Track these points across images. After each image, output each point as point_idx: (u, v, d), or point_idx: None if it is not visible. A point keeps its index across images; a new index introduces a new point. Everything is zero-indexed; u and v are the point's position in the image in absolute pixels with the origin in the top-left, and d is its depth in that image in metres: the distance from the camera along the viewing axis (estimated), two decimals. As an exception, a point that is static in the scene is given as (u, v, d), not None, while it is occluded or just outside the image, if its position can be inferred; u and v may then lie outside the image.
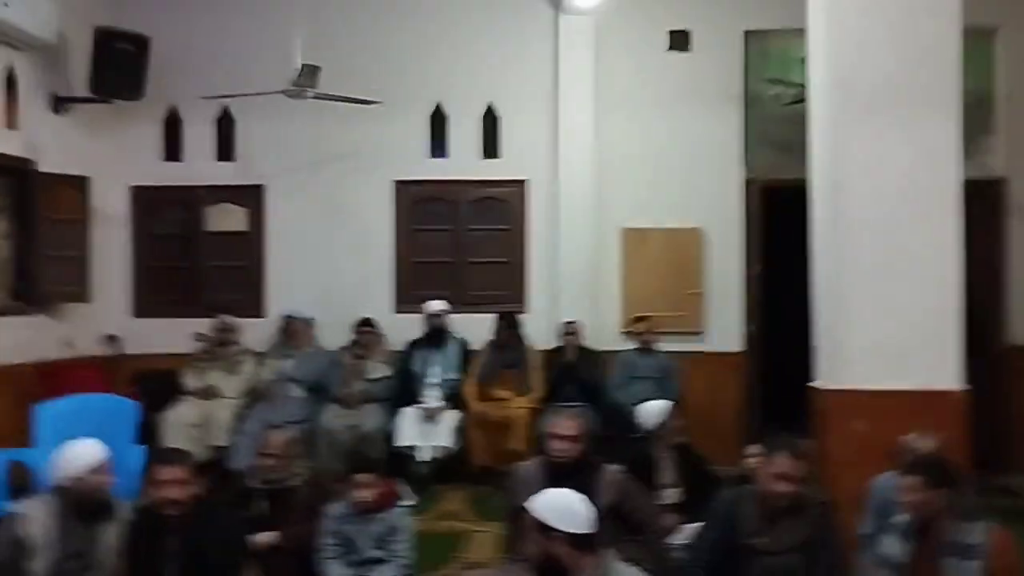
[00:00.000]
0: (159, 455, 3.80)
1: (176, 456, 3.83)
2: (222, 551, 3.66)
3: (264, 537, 4.18)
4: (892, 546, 3.51)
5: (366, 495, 4.25)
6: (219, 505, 4.00)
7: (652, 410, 5.17)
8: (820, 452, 4.78)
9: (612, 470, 4.17)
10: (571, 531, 2.81)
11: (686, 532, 4.33)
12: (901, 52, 4.69)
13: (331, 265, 7.41)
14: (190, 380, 6.77)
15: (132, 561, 3.59)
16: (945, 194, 4.63)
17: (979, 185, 6.44)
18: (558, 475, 3.98)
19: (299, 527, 4.29)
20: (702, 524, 3.97)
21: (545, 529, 2.81)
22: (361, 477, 4.26)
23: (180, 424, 6.42)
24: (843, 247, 4.73)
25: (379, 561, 4.25)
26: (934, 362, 4.61)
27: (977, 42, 6.55)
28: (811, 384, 4.99)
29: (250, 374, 6.88)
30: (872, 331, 4.61)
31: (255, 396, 6.74)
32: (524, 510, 2.90)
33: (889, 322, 4.59)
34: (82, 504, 3.68)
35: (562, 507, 2.87)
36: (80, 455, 3.73)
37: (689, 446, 5.23)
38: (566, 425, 4.08)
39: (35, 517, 3.68)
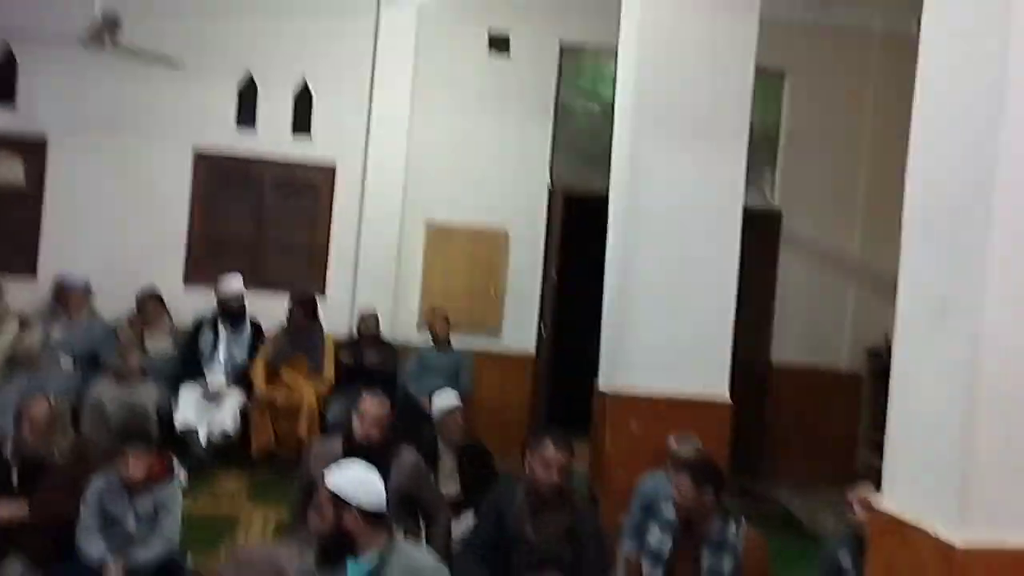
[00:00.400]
0: None
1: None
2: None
3: (7, 509, 3.89)
4: (656, 538, 3.72)
5: (135, 470, 4.03)
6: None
7: (441, 403, 5.25)
8: (597, 449, 5.02)
9: (409, 455, 4.22)
10: (364, 506, 2.82)
11: (465, 524, 4.41)
12: (700, 84, 5.02)
13: (117, 231, 6.96)
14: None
15: None
16: (728, 219, 4.99)
17: (758, 214, 6.95)
18: (357, 455, 4.00)
19: (53, 500, 4.02)
20: (480, 515, 4.08)
21: (339, 502, 2.82)
22: (133, 451, 4.04)
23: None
24: (632, 260, 4.99)
25: (143, 539, 4.06)
26: (705, 373, 4.95)
27: (768, 82, 7.08)
28: (594, 385, 5.23)
29: (13, 337, 6.32)
30: (651, 340, 4.90)
31: (17, 362, 6.21)
32: (318, 482, 2.89)
33: (667, 333, 4.89)
34: None
35: (357, 482, 2.90)
36: None
37: (474, 441, 5.34)
38: (373, 409, 4.12)
39: None
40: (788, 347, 7.52)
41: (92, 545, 3.98)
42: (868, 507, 3.28)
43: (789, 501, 6.76)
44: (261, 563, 3.67)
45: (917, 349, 2.41)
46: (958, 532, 2.13)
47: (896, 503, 2.40)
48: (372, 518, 2.87)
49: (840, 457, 7.21)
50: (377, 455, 4.05)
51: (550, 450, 3.80)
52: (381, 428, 4.11)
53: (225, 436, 6.20)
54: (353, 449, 4.04)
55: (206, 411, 6.25)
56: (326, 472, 2.94)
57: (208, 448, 6.16)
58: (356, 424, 4.14)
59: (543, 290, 7.57)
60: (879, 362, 6.80)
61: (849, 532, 3.55)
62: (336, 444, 4.17)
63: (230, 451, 6.26)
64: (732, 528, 3.62)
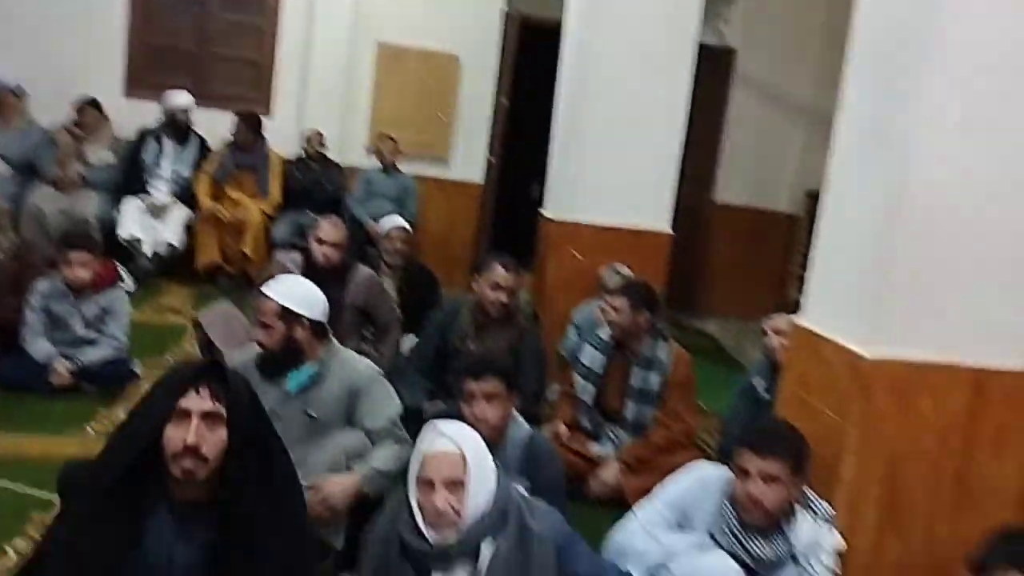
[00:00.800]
0: None
1: None
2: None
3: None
4: (589, 357, 3.91)
5: (81, 274, 4.05)
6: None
7: (387, 223, 5.30)
8: (540, 275, 5.16)
9: (364, 272, 4.32)
10: (311, 317, 2.90)
11: (409, 342, 4.55)
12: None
13: (48, 32, 6.59)
14: None
15: None
16: (680, 55, 4.94)
17: (712, 52, 6.89)
18: (317, 276, 4.08)
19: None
20: (423, 333, 4.22)
21: (289, 315, 2.88)
22: (76, 255, 4.05)
23: None
24: (583, 91, 4.96)
25: (91, 342, 4.13)
26: (648, 207, 5.03)
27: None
28: (540, 213, 5.31)
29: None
30: (597, 171, 4.94)
31: (-49, 167, 6.07)
32: (263, 297, 2.93)
33: (613, 165, 4.93)
34: None
35: (303, 294, 2.94)
36: None
37: (419, 265, 5.43)
38: (331, 232, 4.19)
39: None
40: (733, 187, 7.64)
41: (38, 346, 4.04)
42: (780, 334, 3.48)
43: (720, 334, 7.07)
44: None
45: (848, 176, 2.51)
46: (868, 347, 2.29)
47: (814, 321, 2.56)
48: (317, 328, 2.95)
49: (772, 294, 7.48)
50: (336, 275, 4.18)
51: (499, 271, 3.93)
52: (339, 251, 4.20)
53: (170, 249, 6.20)
54: (313, 270, 4.11)
55: (150, 224, 6.23)
56: (269, 287, 2.96)
57: (153, 260, 6.17)
58: (314, 248, 4.20)
59: (494, 118, 7.51)
60: (817, 204, 6.96)
61: (764, 359, 3.76)
62: (296, 258, 4.26)
63: (175, 265, 6.29)
64: (662, 347, 3.81)
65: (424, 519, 2.10)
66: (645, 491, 2.84)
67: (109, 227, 6.06)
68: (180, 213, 6.30)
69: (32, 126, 6.34)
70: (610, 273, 4.62)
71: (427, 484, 2.09)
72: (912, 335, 2.27)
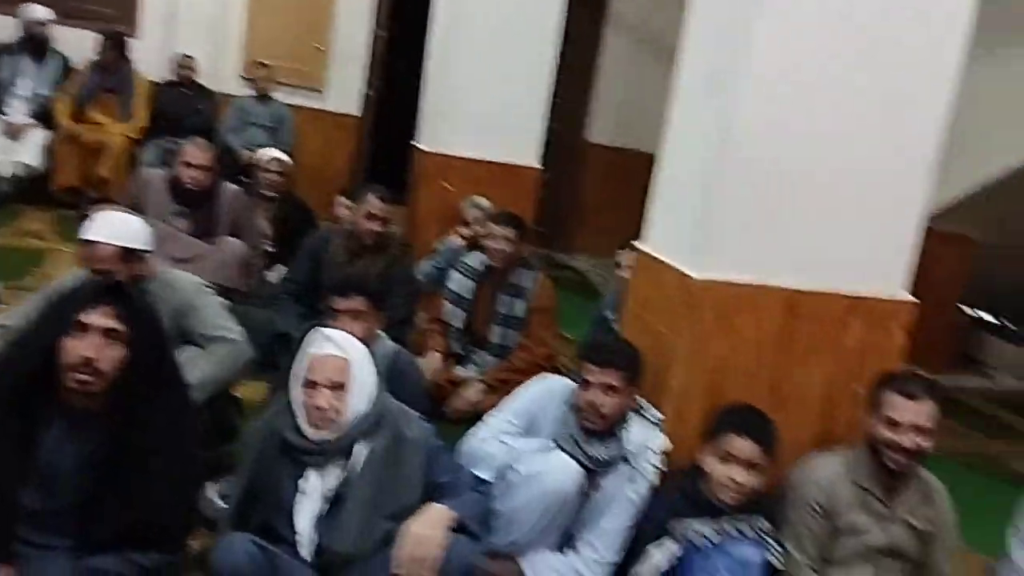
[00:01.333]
0: None
1: None
2: None
3: None
4: (458, 283, 4.08)
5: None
6: None
7: (262, 153, 5.29)
8: (412, 205, 5.28)
9: (230, 190, 4.34)
10: (145, 248, 2.83)
11: (280, 271, 4.60)
12: None
13: None
14: None
15: None
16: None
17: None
18: (184, 199, 4.12)
19: None
20: (296, 259, 4.29)
21: (128, 254, 2.76)
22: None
23: None
24: (458, 21, 5.06)
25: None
26: (518, 142, 5.21)
27: None
28: (414, 144, 5.41)
29: None
30: (469, 105, 5.08)
31: None
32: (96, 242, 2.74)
33: (486, 100, 5.07)
34: None
35: (134, 229, 2.82)
36: None
37: (295, 196, 5.45)
38: (199, 155, 4.14)
39: None
40: (604, 128, 7.87)
41: None
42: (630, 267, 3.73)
43: (587, 269, 7.37)
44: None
45: (686, 115, 2.74)
46: (697, 270, 2.54)
47: (653, 247, 2.80)
48: (145, 255, 2.85)
49: (638, 233, 7.80)
50: (204, 198, 4.18)
51: (373, 202, 4.03)
52: (207, 173, 4.16)
53: (28, 170, 6.00)
54: (180, 193, 4.10)
55: (7, 146, 6.00)
56: (97, 232, 2.76)
57: (12, 182, 5.96)
58: (181, 172, 4.15)
59: (372, 49, 7.48)
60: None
61: (615, 290, 4.02)
62: (158, 179, 4.22)
63: (34, 187, 6.09)
64: (528, 276, 4.02)
65: (306, 418, 2.25)
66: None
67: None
68: (38, 134, 6.09)
69: None
70: (468, 205, 4.79)
71: (311, 385, 2.25)
72: (735, 260, 2.53)
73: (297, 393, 2.29)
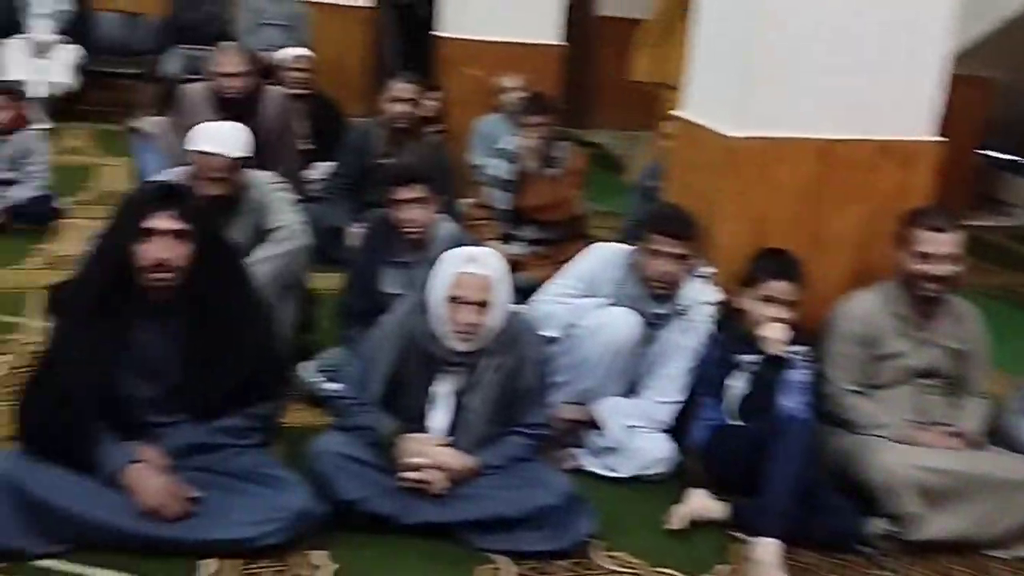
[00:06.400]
0: None
1: None
2: None
3: None
4: (499, 168, 4.25)
5: (-2, 114, 4.12)
6: None
7: (286, 53, 5.38)
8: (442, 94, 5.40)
9: (275, 93, 4.38)
10: (249, 154, 3.06)
11: (321, 169, 4.75)
12: None
13: None
14: None
15: None
16: None
17: None
18: (227, 106, 4.12)
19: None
20: (341, 156, 4.45)
21: (237, 163, 2.99)
22: (-12, 98, 4.09)
23: None
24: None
25: (13, 182, 4.25)
26: (539, 19, 5.29)
27: None
28: (436, 33, 5.49)
29: None
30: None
31: None
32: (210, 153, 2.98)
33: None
34: None
35: (243, 139, 3.05)
36: None
37: (320, 92, 5.55)
38: (234, 62, 4.12)
39: None
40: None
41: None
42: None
43: (606, 143, 7.49)
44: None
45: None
46: (735, 128, 2.72)
47: (692, 112, 2.97)
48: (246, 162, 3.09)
49: (655, 104, 7.86)
50: (247, 104, 4.16)
51: (396, 85, 4.18)
52: (245, 78, 4.14)
53: (63, 88, 6.13)
54: (223, 103, 4.13)
55: (36, 65, 6.11)
56: (209, 142, 2.99)
57: (48, 101, 6.10)
58: (218, 83, 4.13)
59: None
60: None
61: (655, 161, 4.19)
62: (197, 92, 4.25)
63: (68, 106, 6.25)
64: (560, 147, 4.21)
65: (448, 330, 2.40)
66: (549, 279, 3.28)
67: (-6, 70, 5.95)
68: (68, 51, 6.19)
69: None
70: (505, 92, 4.90)
71: (455, 300, 2.38)
72: (770, 117, 2.70)
73: (439, 306, 2.41)
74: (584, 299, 2.85)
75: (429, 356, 2.48)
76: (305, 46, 6.14)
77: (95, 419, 2.22)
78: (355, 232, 4.10)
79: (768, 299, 2.63)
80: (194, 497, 2.23)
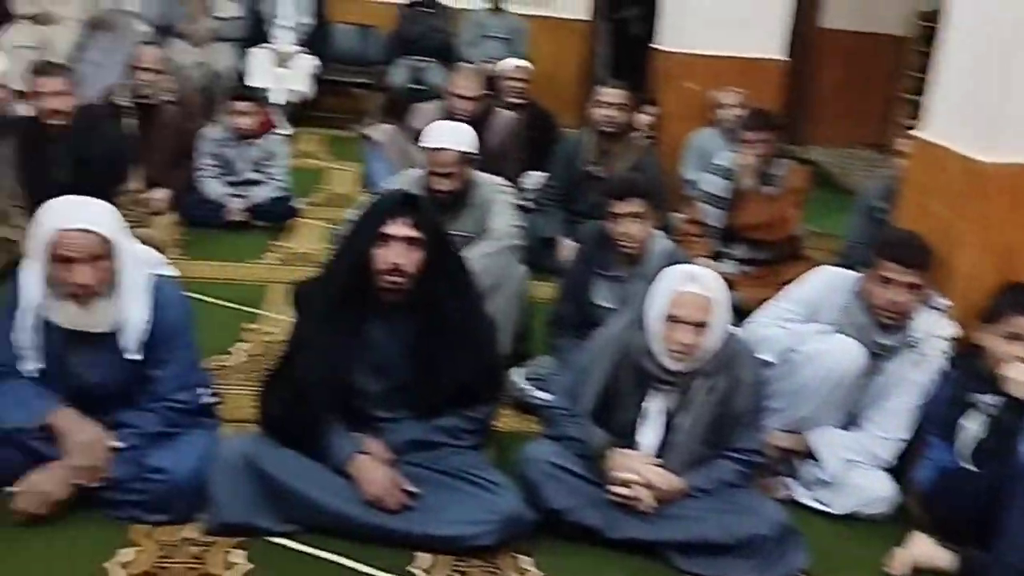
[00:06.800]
0: (38, 68, 3.79)
1: (56, 68, 3.84)
2: (107, 158, 3.84)
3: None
4: (713, 183, 4.18)
5: (245, 121, 4.48)
6: (102, 117, 4.11)
7: (505, 64, 5.54)
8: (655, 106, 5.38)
9: (503, 115, 4.54)
10: (475, 152, 3.27)
11: (534, 179, 4.86)
12: None
13: None
14: (21, 4, 6.38)
15: (24, 169, 3.72)
16: None
17: None
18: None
19: (167, 136, 4.48)
20: (552, 166, 4.53)
21: (465, 160, 3.25)
22: (241, 104, 4.47)
23: (16, 47, 6.08)
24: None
25: (257, 182, 4.61)
26: (761, 33, 5.16)
27: None
28: (654, 46, 5.48)
29: (86, 0, 6.55)
30: (711, 3, 5.06)
31: (95, 25, 6.49)
32: (434, 147, 3.24)
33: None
34: None
35: (468, 136, 3.30)
36: None
37: (538, 103, 5.68)
38: (468, 86, 4.30)
39: None
40: (839, 11, 7.54)
41: (210, 186, 4.54)
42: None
43: (826, 161, 7.19)
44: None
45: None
46: (987, 153, 2.54)
47: (935, 133, 2.80)
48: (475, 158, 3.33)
49: (877, 122, 7.51)
50: (476, 125, 4.35)
51: (604, 90, 4.21)
52: (477, 102, 4.29)
53: (299, 96, 6.57)
54: (453, 119, 4.31)
55: (277, 73, 6.57)
56: (438, 139, 3.26)
57: (286, 108, 6.56)
58: (453, 103, 4.27)
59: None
60: (931, 24, 6.87)
61: (885, 180, 3.98)
62: (431, 110, 4.44)
63: (303, 112, 6.69)
64: (781, 165, 4.09)
65: (663, 348, 2.39)
66: (763, 301, 3.20)
67: (240, 78, 6.44)
68: (306, 61, 6.63)
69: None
70: (724, 96, 4.82)
71: (674, 320, 2.37)
72: (1024, 142, 2.51)
73: (656, 323, 2.40)
74: (805, 324, 2.75)
75: (643, 372, 2.47)
76: (523, 58, 6.33)
77: (328, 410, 2.37)
78: (567, 243, 4.18)
79: (1013, 337, 2.44)
80: (412, 492, 2.33)
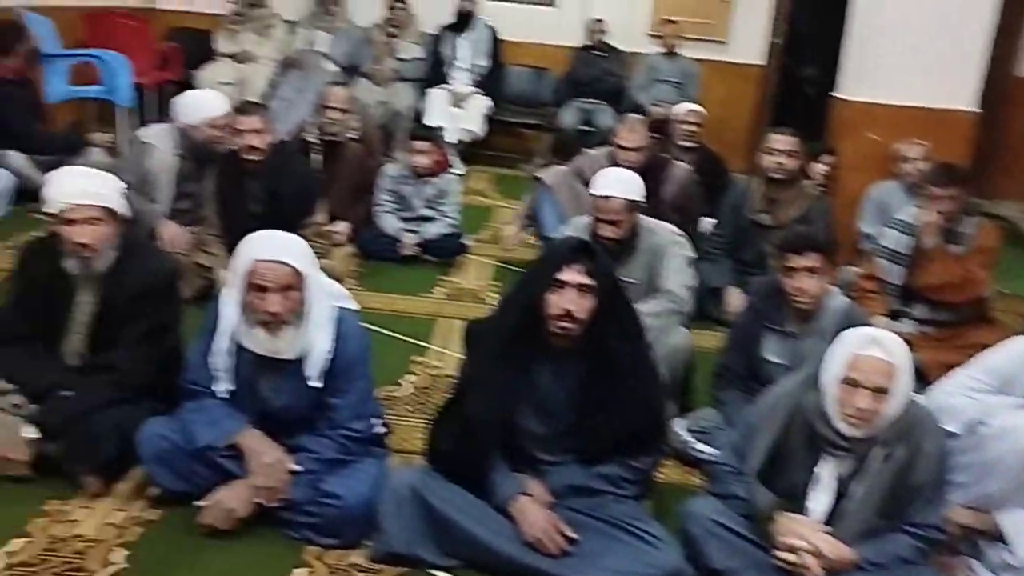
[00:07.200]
0: (238, 107, 4.07)
1: (254, 108, 4.12)
2: (298, 193, 4.08)
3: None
4: (894, 239, 4.00)
5: (423, 160, 4.66)
6: (294, 153, 4.37)
7: (680, 108, 5.52)
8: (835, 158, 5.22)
9: (680, 170, 4.51)
10: (641, 200, 3.29)
11: (704, 224, 4.79)
12: None
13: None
14: (223, 44, 6.90)
15: (221, 202, 4.00)
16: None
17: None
18: None
19: (349, 171, 4.71)
20: (720, 214, 4.46)
21: (632, 207, 3.29)
22: (420, 144, 4.66)
23: (215, 82, 6.54)
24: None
25: (430, 219, 4.78)
26: (952, 84, 4.92)
27: None
28: (834, 94, 5.32)
29: (281, 41, 7.00)
30: (897, 49, 4.88)
31: (288, 64, 6.93)
32: (603, 196, 3.29)
33: (915, 42, 4.83)
34: (196, 150, 4.02)
35: (635, 184, 3.33)
36: (200, 105, 4.02)
37: (706, 146, 5.62)
38: (632, 137, 4.26)
39: (159, 151, 4.03)
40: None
41: (387, 220, 4.73)
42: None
43: (1016, 216, 6.75)
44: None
45: None
46: None
47: None
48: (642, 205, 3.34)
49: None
50: (644, 175, 4.35)
51: (774, 136, 4.12)
52: (641, 153, 4.25)
53: (471, 136, 6.77)
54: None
55: (452, 113, 6.80)
56: (606, 187, 3.30)
57: (456, 147, 6.78)
58: (617, 154, 4.23)
59: (778, -3, 7.38)
60: None
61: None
62: (600, 156, 4.45)
63: (474, 151, 6.89)
64: (969, 222, 3.88)
65: (839, 412, 2.29)
66: (944, 365, 3.02)
67: (418, 117, 6.70)
68: (480, 102, 6.84)
69: (352, 27, 7.06)
70: (908, 148, 4.62)
71: (852, 383, 2.27)
72: None
73: (832, 386, 2.31)
74: (996, 396, 2.58)
75: (816, 435, 2.38)
76: (695, 102, 6.29)
77: (494, 449, 2.41)
78: (735, 292, 4.11)
79: None
80: (572, 537, 2.33)
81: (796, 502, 2.39)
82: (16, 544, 2.31)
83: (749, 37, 7.48)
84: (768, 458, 2.44)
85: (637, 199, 3.31)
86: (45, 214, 2.58)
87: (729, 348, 3.21)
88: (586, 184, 4.37)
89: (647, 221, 3.41)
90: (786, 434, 2.42)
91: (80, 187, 2.54)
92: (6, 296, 2.76)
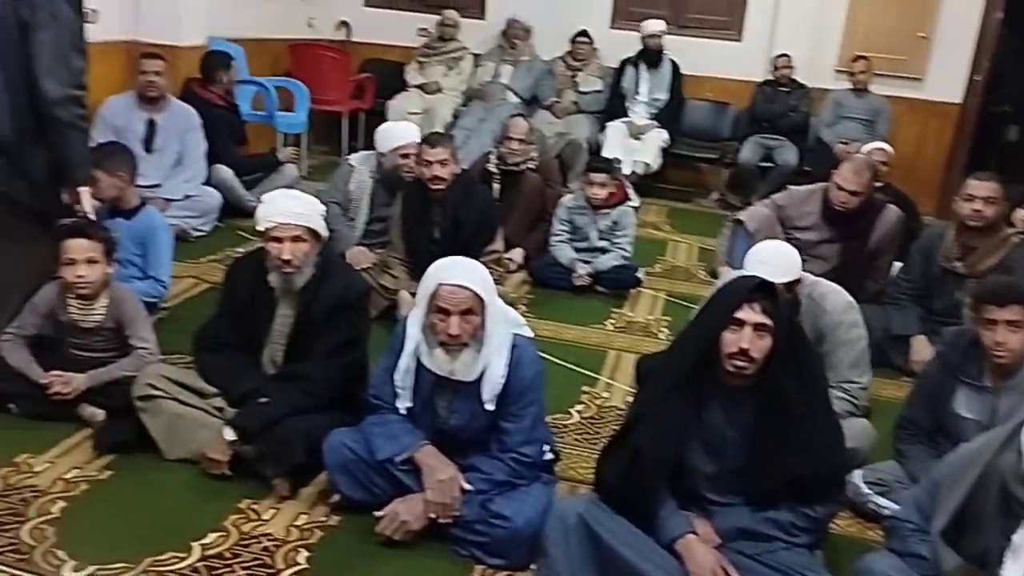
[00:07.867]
0: (426, 139, 4.24)
1: (442, 139, 4.28)
2: (478, 221, 4.21)
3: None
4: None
5: (599, 192, 4.71)
6: (476, 183, 4.51)
7: (867, 146, 5.33)
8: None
9: (891, 214, 4.33)
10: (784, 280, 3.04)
11: (893, 268, 4.58)
12: None
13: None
14: (413, 75, 7.24)
15: (406, 227, 4.19)
16: None
17: None
18: (837, 217, 4.22)
19: (525, 201, 4.85)
20: (910, 259, 4.25)
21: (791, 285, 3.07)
22: (597, 176, 4.71)
23: (404, 111, 6.86)
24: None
25: (604, 250, 4.81)
26: None
27: None
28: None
29: (467, 73, 7.26)
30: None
31: (472, 95, 7.18)
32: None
33: None
34: (388, 177, 4.28)
35: (778, 261, 3.08)
36: (393, 135, 4.29)
37: (895, 188, 5.38)
38: (854, 180, 4.15)
39: (360, 175, 4.30)
40: None
41: (562, 250, 4.79)
42: None
43: None
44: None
45: None
46: None
47: None
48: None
49: None
50: (855, 219, 4.18)
51: (972, 183, 3.87)
52: (857, 197, 4.13)
53: (647, 169, 6.77)
54: (832, 211, 4.20)
55: (629, 145, 6.83)
56: (768, 270, 2.93)
57: (631, 179, 6.79)
58: (835, 194, 4.15)
59: (981, 32, 7.00)
60: None
61: None
62: (807, 194, 4.35)
63: (649, 184, 6.89)
64: None
65: None
66: None
67: (596, 149, 6.77)
68: (657, 135, 6.84)
69: (535, 60, 7.25)
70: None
71: None
72: None
73: None
74: None
75: (1012, 499, 2.22)
76: (884, 140, 6.05)
77: (662, 485, 2.40)
78: (923, 342, 3.91)
79: None
80: (742, 581, 2.29)
81: (986, 569, 2.24)
82: (211, 537, 2.49)
83: (948, 74, 7.11)
84: (954, 519, 2.30)
85: (789, 280, 3.06)
86: (254, 231, 2.79)
87: (915, 400, 3.05)
88: (783, 224, 4.34)
89: (817, 289, 3.19)
90: (977, 495, 2.28)
91: (289, 208, 2.75)
92: (216, 307, 3.00)
